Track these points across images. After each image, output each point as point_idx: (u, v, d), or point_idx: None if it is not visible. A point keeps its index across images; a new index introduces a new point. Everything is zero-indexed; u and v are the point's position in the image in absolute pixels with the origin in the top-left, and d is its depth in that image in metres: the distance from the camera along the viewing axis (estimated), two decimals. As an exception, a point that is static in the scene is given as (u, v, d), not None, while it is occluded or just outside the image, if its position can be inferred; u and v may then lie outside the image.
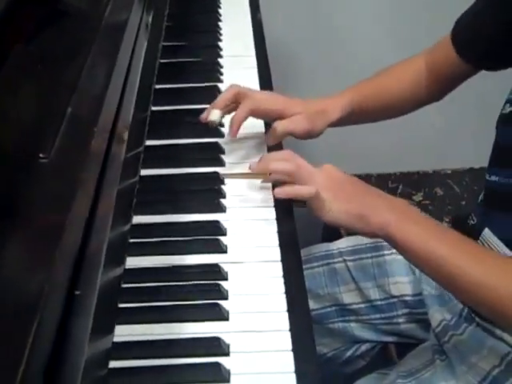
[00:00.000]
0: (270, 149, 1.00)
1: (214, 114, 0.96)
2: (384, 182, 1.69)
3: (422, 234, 0.82)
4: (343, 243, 1.19)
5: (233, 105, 0.99)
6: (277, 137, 1.00)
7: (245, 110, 0.97)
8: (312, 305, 1.15)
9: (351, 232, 0.90)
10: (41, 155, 0.56)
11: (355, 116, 1.07)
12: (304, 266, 1.13)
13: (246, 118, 0.97)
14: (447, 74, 1.07)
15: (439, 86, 1.10)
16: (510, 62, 0.97)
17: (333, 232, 1.38)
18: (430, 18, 1.82)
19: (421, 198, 1.64)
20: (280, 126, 0.98)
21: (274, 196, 0.89)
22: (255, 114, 0.99)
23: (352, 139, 1.78)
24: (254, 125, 1.03)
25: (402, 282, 1.14)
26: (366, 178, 1.68)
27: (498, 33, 0.96)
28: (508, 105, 0.93)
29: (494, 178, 0.95)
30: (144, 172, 0.94)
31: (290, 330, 0.74)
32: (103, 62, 0.77)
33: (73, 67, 0.72)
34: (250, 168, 0.90)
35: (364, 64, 1.86)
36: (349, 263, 1.17)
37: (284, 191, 0.86)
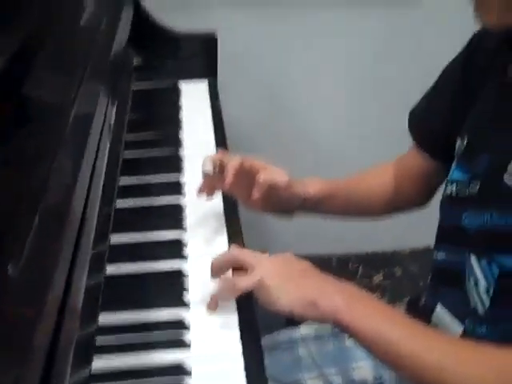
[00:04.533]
0: (230, 239, 1.04)
1: (206, 165, 1.04)
2: (345, 264, 1.72)
3: (372, 317, 0.83)
4: (306, 329, 1.21)
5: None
6: (261, 186, 1.04)
7: (236, 164, 1.03)
8: (276, 392, 1.16)
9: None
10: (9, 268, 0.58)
11: (333, 202, 1.14)
12: (268, 354, 1.16)
13: (236, 171, 1.03)
14: (416, 173, 1.13)
15: (414, 189, 1.16)
16: None
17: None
18: (383, 100, 1.91)
19: (381, 278, 1.68)
20: (262, 175, 1.04)
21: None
22: (243, 167, 1.04)
23: (310, 219, 1.82)
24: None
25: (363, 367, 1.15)
26: (327, 261, 1.72)
27: (449, 121, 1.03)
28: (449, 186, 0.98)
29: (440, 256, 1.00)
30: (109, 268, 0.96)
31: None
32: (68, 168, 0.79)
33: (38, 173, 0.75)
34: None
35: (320, 149, 1.94)
36: (312, 349, 1.18)
37: (232, 291, 0.88)
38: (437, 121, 1.07)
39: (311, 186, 1.12)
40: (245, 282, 0.87)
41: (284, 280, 0.86)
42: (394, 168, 1.17)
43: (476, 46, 0.99)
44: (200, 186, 1.08)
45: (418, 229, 1.87)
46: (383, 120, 1.83)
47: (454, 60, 1.04)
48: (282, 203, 1.10)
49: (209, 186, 1.08)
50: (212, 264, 0.92)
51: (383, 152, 1.22)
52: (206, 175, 1.04)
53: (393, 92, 1.92)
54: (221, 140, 1.31)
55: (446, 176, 1.02)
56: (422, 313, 1.03)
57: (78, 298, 0.70)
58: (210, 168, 1.03)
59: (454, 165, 0.98)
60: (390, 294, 1.60)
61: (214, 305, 0.91)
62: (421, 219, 1.25)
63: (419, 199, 1.18)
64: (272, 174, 1.06)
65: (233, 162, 1.03)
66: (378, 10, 1.88)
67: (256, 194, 1.04)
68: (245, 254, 0.91)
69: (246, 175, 1.06)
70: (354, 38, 1.90)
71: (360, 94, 1.95)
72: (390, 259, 1.73)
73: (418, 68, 1.82)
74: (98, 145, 0.91)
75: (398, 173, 1.16)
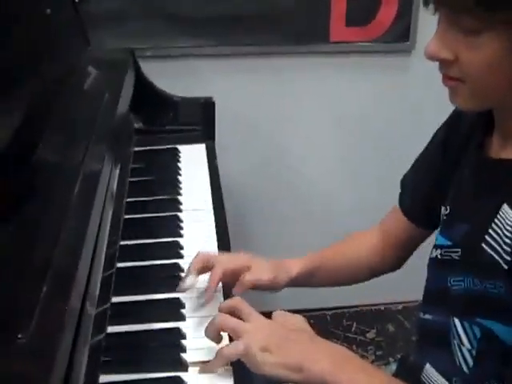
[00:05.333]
0: (226, 299, 1.07)
1: (189, 280, 1.06)
2: (339, 320, 1.75)
3: (362, 380, 0.86)
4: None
5: (202, 270, 1.07)
6: (244, 285, 1.07)
7: (217, 274, 1.05)
8: None
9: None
10: (19, 336, 0.63)
11: (317, 277, 1.18)
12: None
13: (219, 281, 1.06)
14: (402, 239, 1.18)
15: (397, 254, 1.20)
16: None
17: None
18: (371, 153, 1.97)
19: (374, 335, 1.71)
20: (246, 276, 1.07)
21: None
22: (226, 275, 1.07)
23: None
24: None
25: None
26: (322, 317, 1.75)
27: (433, 191, 1.08)
28: (434, 250, 1.02)
29: (427, 316, 1.03)
30: (110, 329, 1.00)
31: None
32: (75, 234, 0.84)
33: (45, 242, 0.80)
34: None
35: (315, 206, 1.99)
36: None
37: (218, 359, 0.90)
38: (421, 195, 1.12)
39: (295, 268, 1.14)
40: (229, 351, 0.88)
41: (269, 346, 0.87)
42: (380, 234, 1.22)
43: (455, 123, 1.04)
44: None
45: (410, 285, 1.91)
46: (370, 174, 1.89)
47: (436, 134, 1.09)
48: (268, 289, 1.13)
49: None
50: (205, 332, 0.94)
51: (375, 201, 1.25)
52: (188, 288, 1.07)
53: (381, 146, 1.98)
54: (219, 202, 1.37)
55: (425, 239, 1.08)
56: (411, 370, 1.06)
57: (82, 360, 0.74)
58: (189, 284, 1.06)
59: (438, 231, 1.02)
60: (382, 351, 1.63)
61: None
62: (413, 276, 1.29)
63: (398, 263, 1.23)
64: (256, 274, 1.08)
65: (217, 270, 1.06)
66: (367, 74, 1.95)
67: (238, 290, 1.07)
68: (229, 323, 0.91)
69: (230, 279, 1.09)
70: (341, 98, 1.97)
71: (349, 149, 2.02)
72: (382, 315, 1.76)
73: (404, 123, 1.90)
74: (103, 209, 0.95)
75: (384, 238, 1.21)
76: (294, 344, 0.88)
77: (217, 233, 1.26)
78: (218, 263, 1.07)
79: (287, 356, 0.86)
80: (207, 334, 0.94)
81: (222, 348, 0.90)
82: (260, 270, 1.09)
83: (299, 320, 0.95)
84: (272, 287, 1.11)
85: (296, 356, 0.86)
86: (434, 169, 1.07)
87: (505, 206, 0.86)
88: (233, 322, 0.91)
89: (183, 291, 1.07)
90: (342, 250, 1.23)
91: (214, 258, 1.09)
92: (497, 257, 0.86)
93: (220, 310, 0.95)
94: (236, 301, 0.95)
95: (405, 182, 1.17)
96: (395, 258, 1.21)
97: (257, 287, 1.09)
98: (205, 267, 1.07)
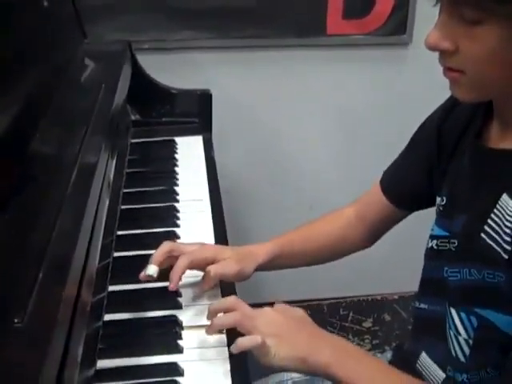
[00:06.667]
0: (224, 292, 1.09)
1: (150, 269, 1.04)
2: (335, 310, 1.76)
3: (364, 371, 0.88)
4: (297, 373, 1.25)
5: (168, 259, 1.07)
6: (210, 280, 1.07)
7: (182, 265, 1.05)
8: None
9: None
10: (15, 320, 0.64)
11: (284, 259, 1.17)
12: (260, 397, 1.20)
13: (184, 272, 1.05)
14: (379, 219, 1.19)
15: (372, 232, 1.21)
16: (433, 202, 1.08)
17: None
18: (367, 148, 1.98)
19: (370, 325, 1.72)
20: (212, 269, 1.06)
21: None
22: (192, 265, 1.07)
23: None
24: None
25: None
26: (319, 307, 1.76)
27: (421, 177, 1.09)
28: (430, 240, 1.03)
29: (423, 305, 1.04)
30: (107, 316, 1.01)
31: None
32: (71, 222, 0.85)
33: (42, 230, 0.81)
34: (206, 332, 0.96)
35: (313, 199, 2.00)
36: (302, 393, 1.22)
37: (234, 348, 0.91)
38: (408, 179, 1.13)
39: (261, 255, 1.14)
40: (246, 343, 0.90)
41: (281, 339, 0.90)
42: (355, 210, 1.22)
43: (452, 108, 1.03)
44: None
45: (405, 275, 1.93)
46: (367, 167, 1.89)
47: (430, 119, 1.09)
48: (235, 281, 1.12)
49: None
50: (210, 307, 0.96)
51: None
52: (149, 278, 1.05)
53: (378, 138, 1.99)
54: (215, 193, 1.38)
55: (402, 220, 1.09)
56: (406, 359, 1.08)
57: (79, 345, 0.75)
58: (151, 273, 1.04)
59: (434, 222, 1.03)
60: (379, 340, 1.64)
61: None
62: (409, 265, 1.30)
63: (370, 240, 1.23)
64: (222, 267, 1.07)
65: (180, 263, 1.05)
66: (364, 67, 1.96)
67: (206, 286, 1.07)
68: (242, 306, 0.94)
69: (197, 268, 1.09)
70: (338, 90, 1.98)
71: (346, 140, 2.03)
72: (378, 305, 1.77)
73: (401, 115, 1.90)
74: (99, 199, 0.96)
75: (359, 215, 1.21)
76: (300, 336, 0.91)
77: (213, 223, 1.27)
78: (183, 256, 1.06)
79: (295, 348, 0.89)
80: (213, 312, 0.95)
81: (238, 339, 0.91)
82: (226, 263, 1.08)
83: (300, 313, 0.96)
84: (239, 279, 1.11)
85: (301, 349, 0.89)
86: (426, 154, 1.07)
87: (504, 196, 0.86)
88: (245, 308, 0.93)
89: (144, 279, 1.05)
90: (311, 229, 1.23)
91: (179, 248, 1.08)
92: (496, 247, 0.87)
93: (215, 311, 0.96)
94: (232, 302, 0.96)
95: (392, 165, 1.17)
96: (368, 235, 1.22)
97: (224, 280, 1.10)
98: (171, 257, 1.06)
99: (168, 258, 1.07)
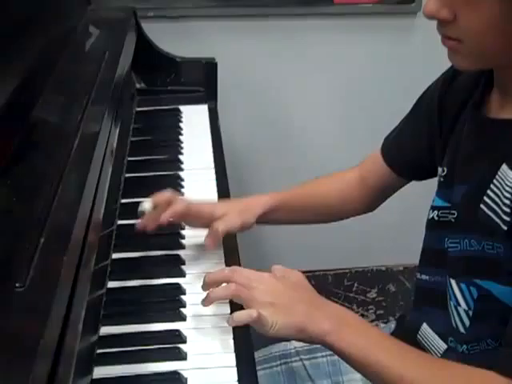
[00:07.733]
0: (228, 261, 1.09)
1: (146, 204, 1.06)
2: (340, 280, 1.76)
3: (361, 341, 0.86)
4: (299, 342, 1.26)
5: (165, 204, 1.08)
6: (216, 237, 1.08)
7: (177, 208, 1.06)
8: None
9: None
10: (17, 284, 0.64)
11: (281, 213, 1.18)
12: (263, 366, 1.21)
13: (179, 214, 1.07)
14: (380, 185, 1.19)
15: (372, 198, 1.22)
16: (435, 172, 1.07)
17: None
18: (373, 118, 1.97)
19: (374, 295, 1.72)
20: (219, 226, 1.07)
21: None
22: (189, 215, 1.08)
23: (307, 236, 1.87)
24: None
25: (354, 379, 1.19)
26: (323, 277, 1.77)
27: (422, 146, 1.09)
28: (431, 211, 1.02)
29: (424, 276, 1.04)
30: (110, 284, 1.01)
31: None
32: (72, 190, 0.85)
33: (43, 196, 0.80)
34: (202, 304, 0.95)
35: (318, 168, 1.99)
36: (305, 362, 1.22)
37: (230, 323, 0.91)
38: (409, 147, 1.12)
39: (256, 205, 1.15)
40: (242, 318, 0.89)
41: (278, 308, 0.88)
42: (358, 174, 1.22)
43: (453, 79, 1.03)
44: (136, 225, 1.09)
45: (410, 246, 1.93)
46: (372, 136, 1.89)
47: (432, 89, 1.08)
48: (238, 231, 1.14)
49: (145, 223, 1.08)
50: (206, 278, 0.95)
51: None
52: (141, 213, 1.06)
53: (384, 107, 1.97)
54: (220, 161, 1.37)
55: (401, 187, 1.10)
56: (408, 330, 1.08)
57: (80, 311, 0.76)
58: (146, 208, 1.06)
59: (435, 192, 1.02)
60: (383, 310, 1.64)
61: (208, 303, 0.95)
62: (414, 237, 1.30)
63: (372, 205, 1.24)
64: (226, 223, 1.08)
65: (176, 206, 1.07)
66: (372, 36, 1.94)
67: (210, 242, 1.07)
68: (238, 277, 0.92)
69: (194, 218, 1.10)
70: (345, 59, 1.96)
71: (352, 109, 2.02)
72: (383, 276, 1.77)
73: (409, 85, 1.88)
74: (102, 166, 0.96)
75: (361, 179, 1.21)
76: (298, 304, 0.90)
77: (218, 191, 1.27)
78: (181, 200, 1.09)
79: (293, 317, 0.88)
80: (211, 281, 0.94)
81: (234, 314, 0.90)
82: (228, 218, 1.09)
83: (299, 276, 0.96)
84: (242, 230, 1.12)
85: (300, 319, 0.88)
86: (428, 125, 1.07)
87: (504, 167, 0.86)
88: (242, 277, 0.92)
89: (140, 215, 1.07)
90: (311, 188, 1.24)
91: (177, 197, 1.11)
92: (495, 218, 0.86)
93: (211, 282, 0.95)
94: (228, 273, 0.95)
95: (393, 131, 1.17)
96: (367, 200, 1.22)
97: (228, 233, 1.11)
98: (168, 201, 1.07)
99: (165, 204, 1.07)
